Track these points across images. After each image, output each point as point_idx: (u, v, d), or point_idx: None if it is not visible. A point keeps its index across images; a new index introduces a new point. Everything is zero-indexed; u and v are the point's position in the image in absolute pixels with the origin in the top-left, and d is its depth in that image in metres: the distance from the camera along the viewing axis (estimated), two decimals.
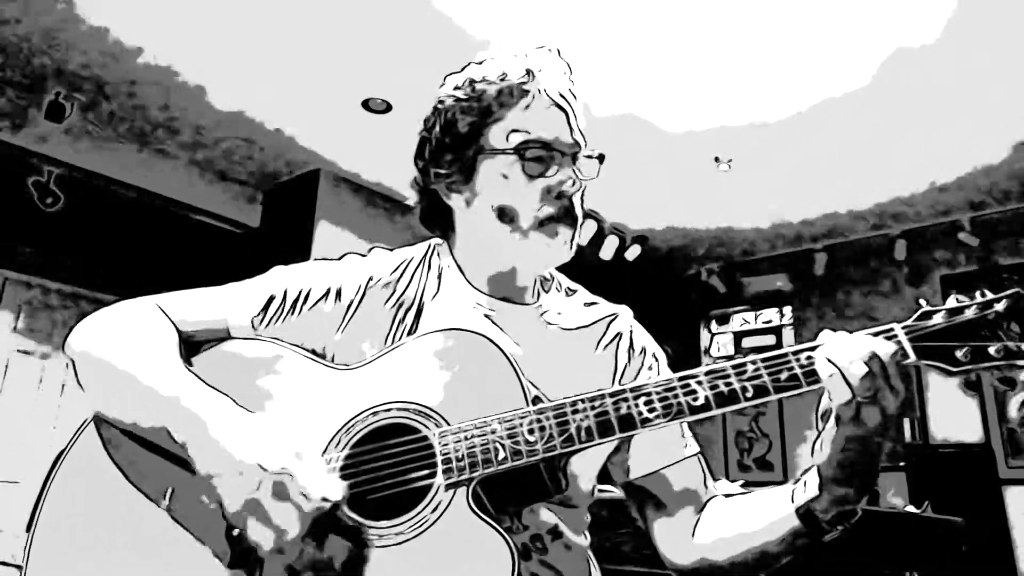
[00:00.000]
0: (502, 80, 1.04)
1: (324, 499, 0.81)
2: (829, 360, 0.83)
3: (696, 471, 1.11)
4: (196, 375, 0.94)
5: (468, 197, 1.07)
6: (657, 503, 1.10)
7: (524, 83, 1.04)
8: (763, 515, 0.97)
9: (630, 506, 1.15)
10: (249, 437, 0.85)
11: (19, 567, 0.94)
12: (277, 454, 0.83)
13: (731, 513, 1.06)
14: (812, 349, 0.87)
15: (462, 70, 1.10)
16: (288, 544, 0.79)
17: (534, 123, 1.04)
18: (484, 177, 1.05)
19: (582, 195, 1.07)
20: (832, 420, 0.85)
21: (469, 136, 1.05)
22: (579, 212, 1.07)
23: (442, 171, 1.07)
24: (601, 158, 1.08)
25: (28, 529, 0.96)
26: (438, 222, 1.15)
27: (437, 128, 1.08)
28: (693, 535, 1.07)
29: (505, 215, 1.04)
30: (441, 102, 1.08)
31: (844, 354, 0.82)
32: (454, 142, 1.06)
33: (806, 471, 0.93)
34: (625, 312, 1.18)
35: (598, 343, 1.12)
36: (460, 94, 1.06)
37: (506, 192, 1.04)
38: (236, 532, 0.88)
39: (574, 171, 1.04)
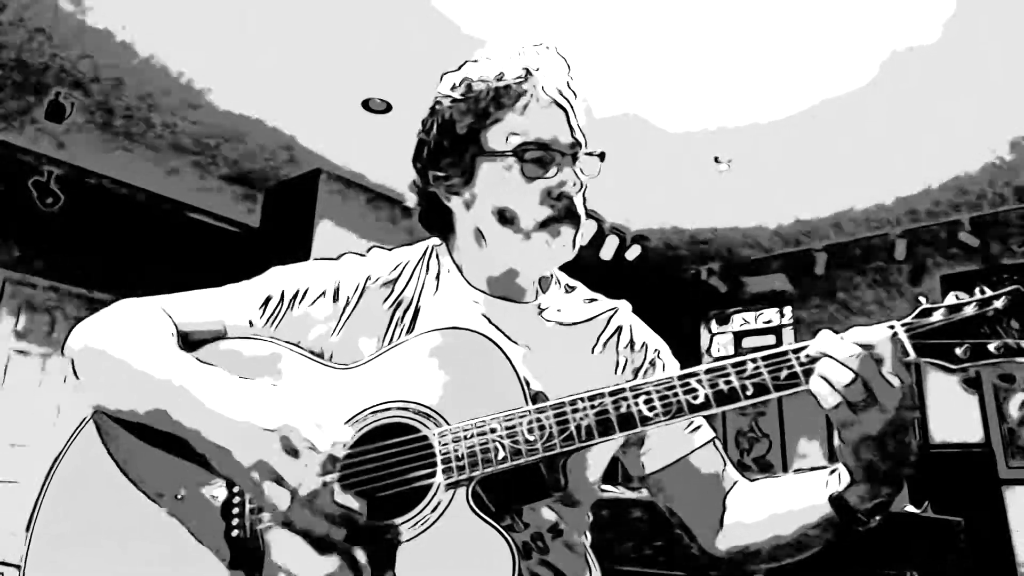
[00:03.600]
0: (499, 80, 1.03)
1: (333, 444, 0.82)
2: (821, 376, 0.82)
3: (714, 457, 1.10)
4: (190, 355, 0.95)
5: (467, 199, 1.06)
6: (680, 494, 1.09)
7: (521, 83, 1.03)
8: (797, 501, 0.96)
9: (654, 500, 1.14)
10: (246, 402, 0.86)
11: (18, 567, 0.94)
12: (275, 413, 0.84)
13: (765, 498, 1.04)
14: None
15: (459, 69, 1.09)
16: (308, 496, 0.80)
17: (532, 124, 1.03)
18: (483, 179, 1.04)
19: (583, 194, 1.06)
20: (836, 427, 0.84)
21: (467, 138, 1.04)
22: (581, 211, 1.06)
23: (441, 174, 1.07)
24: (602, 156, 1.07)
25: (27, 529, 0.96)
26: (438, 224, 1.14)
27: (435, 130, 1.07)
28: (721, 522, 1.06)
29: (506, 217, 1.03)
30: (438, 103, 1.07)
31: (832, 366, 0.81)
32: (452, 144, 1.05)
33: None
34: (624, 307, 1.17)
35: (598, 339, 1.11)
36: (457, 95, 1.05)
37: (506, 194, 1.03)
38: (236, 533, 0.88)
39: (574, 171, 1.04)
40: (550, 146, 1.03)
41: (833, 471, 0.93)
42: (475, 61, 1.09)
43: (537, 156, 1.02)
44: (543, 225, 1.02)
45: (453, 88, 1.06)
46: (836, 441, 0.86)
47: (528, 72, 1.04)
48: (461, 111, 1.04)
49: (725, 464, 1.11)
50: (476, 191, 1.05)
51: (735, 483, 1.10)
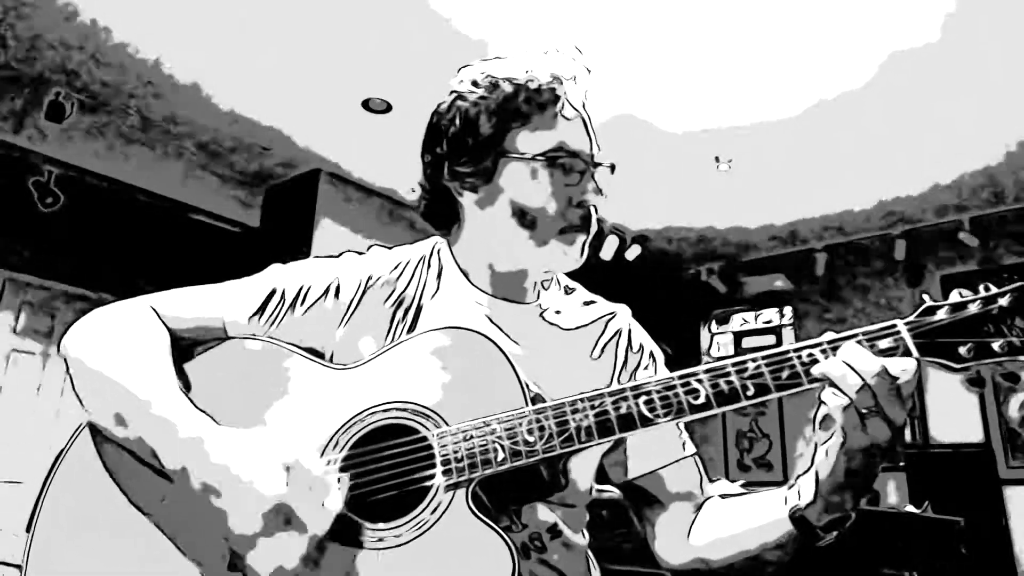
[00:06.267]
0: (529, 82, 1.02)
1: (325, 511, 0.83)
2: (836, 389, 0.81)
3: (693, 472, 1.10)
4: (188, 397, 0.93)
5: (483, 197, 1.05)
6: (654, 503, 1.09)
7: (553, 88, 1.03)
8: (758, 518, 0.96)
9: (627, 506, 1.15)
10: (241, 462, 0.85)
11: (19, 567, 0.94)
12: (272, 480, 0.83)
13: (727, 514, 1.05)
14: (814, 347, 0.85)
15: (478, 64, 1.08)
16: (288, 571, 0.81)
17: (562, 131, 1.03)
18: (507, 180, 1.03)
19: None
20: (839, 431, 0.83)
21: (492, 138, 1.02)
22: (595, 221, 1.06)
23: (460, 169, 1.05)
24: (612, 168, 1.07)
25: (28, 529, 0.96)
26: (442, 218, 1.13)
27: (457, 124, 1.04)
28: (688, 536, 1.06)
29: (526, 219, 1.02)
30: (462, 98, 1.05)
31: (851, 376, 0.80)
32: (476, 142, 1.03)
33: (801, 475, 0.92)
34: (623, 310, 1.17)
35: (597, 342, 1.11)
36: (483, 92, 1.03)
37: (530, 197, 1.02)
38: None
39: (596, 182, 1.04)
40: (579, 154, 1.03)
41: (792, 487, 0.92)
42: (497, 58, 1.07)
43: (567, 163, 1.02)
44: (562, 232, 1.02)
45: (476, 84, 1.05)
46: (827, 447, 0.85)
47: (558, 79, 1.03)
48: (487, 109, 1.03)
49: (702, 479, 1.11)
50: (496, 191, 1.04)
51: (708, 498, 1.10)
